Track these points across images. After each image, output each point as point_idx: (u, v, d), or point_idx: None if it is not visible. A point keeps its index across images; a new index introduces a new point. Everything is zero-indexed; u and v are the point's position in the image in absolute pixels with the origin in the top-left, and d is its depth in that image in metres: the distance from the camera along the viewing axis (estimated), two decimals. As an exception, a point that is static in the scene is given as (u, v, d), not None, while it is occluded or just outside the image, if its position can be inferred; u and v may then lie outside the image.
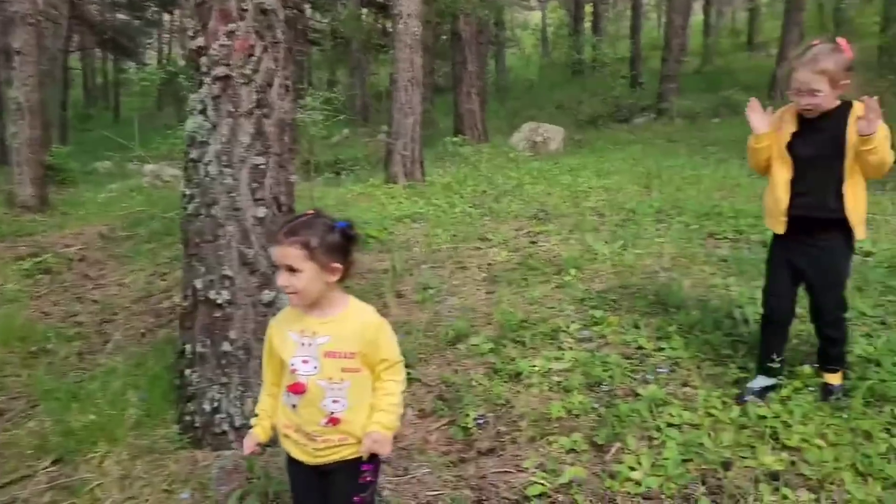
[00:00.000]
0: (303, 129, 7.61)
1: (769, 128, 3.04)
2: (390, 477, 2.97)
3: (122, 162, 13.78)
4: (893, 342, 3.47)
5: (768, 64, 19.11)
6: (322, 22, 24.13)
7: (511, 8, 34.32)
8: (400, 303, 4.92)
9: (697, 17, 31.52)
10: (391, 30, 10.36)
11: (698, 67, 24.72)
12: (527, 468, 2.98)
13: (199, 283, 3.15)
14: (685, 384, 3.49)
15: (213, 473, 3.03)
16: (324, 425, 2.07)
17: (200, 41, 3.06)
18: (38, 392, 3.77)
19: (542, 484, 2.85)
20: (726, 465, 2.84)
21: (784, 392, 3.19)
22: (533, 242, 6.21)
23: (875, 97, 2.76)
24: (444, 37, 20.24)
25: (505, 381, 3.67)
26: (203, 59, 3.06)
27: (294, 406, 2.10)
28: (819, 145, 2.93)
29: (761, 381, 3.24)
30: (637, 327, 4.11)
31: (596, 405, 3.37)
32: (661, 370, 3.61)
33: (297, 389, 2.07)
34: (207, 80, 3.06)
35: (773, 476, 2.75)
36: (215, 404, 3.18)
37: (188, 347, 3.25)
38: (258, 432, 2.23)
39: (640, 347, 3.86)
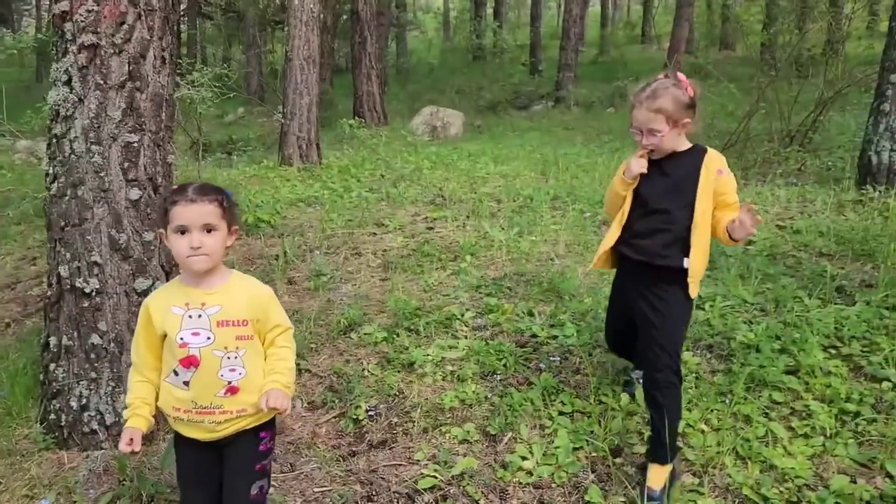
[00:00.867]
0: (190, 107, 7.21)
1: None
2: (276, 474, 2.84)
3: (-9, 137, 12.73)
4: (772, 329, 3.61)
5: (660, 56, 19.91)
6: (216, -6, 23.10)
7: (413, -10, 34.08)
8: (291, 290, 4.75)
9: (595, 8, 32.38)
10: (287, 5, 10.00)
11: (595, 58, 25.35)
12: (419, 460, 2.92)
13: (64, 271, 2.89)
14: (577, 372, 3.52)
15: (81, 476, 2.80)
16: (222, 395, 2.03)
17: (64, 5, 2.78)
18: None
19: (434, 476, 2.79)
20: (615, 453, 2.87)
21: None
22: (430, 228, 6.14)
23: (754, 207, 2.47)
24: (345, 16, 19.84)
25: (398, 371, 3.59)
26: (68, 26, 2.79)
27: (186, 383, 2.02)
28: (663, 189, 2.62)
29: None
30: (531, 315, 4.11)
31: (489, 395, 3.34)
32: (553, 358, 3.61)
33: (190, 362, 2.00)
34: (73, 48, 2.78)
35: (660, 462, 2.78)
36: (83, 401, 2.94)
37: (53, 340, 2.98)
38: (137, 423, 2.07)
39: (534, 335, 3.86)
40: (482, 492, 2.71)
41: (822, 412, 3.00)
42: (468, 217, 6.40)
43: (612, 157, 8.93)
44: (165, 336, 2.02)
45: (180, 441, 2.15)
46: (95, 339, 2.91)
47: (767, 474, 2.71)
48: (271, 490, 2.70)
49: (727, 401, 3.11)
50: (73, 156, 2.82)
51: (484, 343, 3.74)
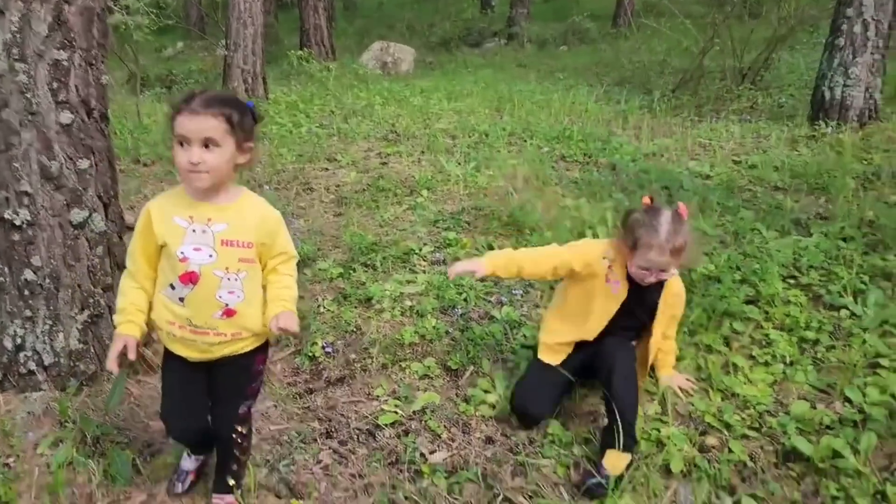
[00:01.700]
0: (125, 35, 6.78)
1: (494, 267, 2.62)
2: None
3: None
4: (733, 260, 3.60)
5: (614, -7, 19.55)
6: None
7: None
8: (240, 226, 4.55)
9: (547, -57, 31.64)
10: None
11: (547, -6, 24.88)
12: (378, 396, 2.84)
13: (-10, 201, 2.65)
14: (538, 305, 3.46)
15: (18, 419, 2.64)
16: (218, 318, 1.96)
17: None
18: None
19: (395, 412, 2.72)
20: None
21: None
22: (384, 163, 5.96)
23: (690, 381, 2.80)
24: (289, -54, 18.96)
25: (355, 307, 3.47)
26: (-19, -74, 2.49)
27: (182, 299, 1.94)
28: (638, 311, 2.65)
29: None
30: (491, 248, 4.02)
31: (450, 329, 3.26)
32: (515, 292, 3.54)
33: (189, 279, 1.91)
34: (-11, -48, 2.49)
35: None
36: (18, 341, 2.74)
37: (-19, 276, 2.76)
38: (130, 330, 1.96)
39: (493, 269, 3.77)
40: (444, 426, 2.65)
41: (782, 340, 3.02)
42: (423, 152, 6.23)
43: (567, 94, 8.79)
44: (164, 246, 1.92)
45: (168, 356, 2.09)
46: (29, 274, 2.70)
47: (729, 402, 2.71)
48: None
49: (687, 331, 3.09)
50: (-6, 74, 2.56)
51: (443, 277, 3.64)
